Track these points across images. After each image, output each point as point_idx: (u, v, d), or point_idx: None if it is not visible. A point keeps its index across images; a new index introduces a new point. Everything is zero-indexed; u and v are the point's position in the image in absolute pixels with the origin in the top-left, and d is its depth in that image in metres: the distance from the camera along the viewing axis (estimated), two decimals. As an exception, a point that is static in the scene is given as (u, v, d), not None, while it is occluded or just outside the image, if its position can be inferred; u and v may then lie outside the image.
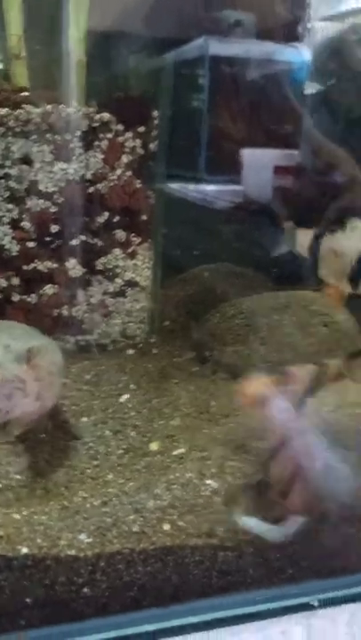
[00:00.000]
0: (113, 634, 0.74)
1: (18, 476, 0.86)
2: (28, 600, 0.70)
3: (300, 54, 1.72)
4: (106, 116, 1.17)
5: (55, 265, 1.20)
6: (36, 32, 1.25)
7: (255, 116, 1.59)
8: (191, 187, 1.51)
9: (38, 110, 1.13)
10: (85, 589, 0.71)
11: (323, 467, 0.79)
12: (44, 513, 0.77)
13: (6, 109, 1.12)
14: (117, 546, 0.72)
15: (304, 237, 1.41)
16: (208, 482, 0.82)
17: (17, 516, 0.77)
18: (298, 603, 0.80)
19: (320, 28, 1.70)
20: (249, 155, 1.54)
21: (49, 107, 1.14)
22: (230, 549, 0.76)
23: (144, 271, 1.26)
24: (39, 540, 0.71)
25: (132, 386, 1.12)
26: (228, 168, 1.51)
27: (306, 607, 0.81)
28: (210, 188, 1.53)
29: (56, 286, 1.22)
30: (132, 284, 1.26)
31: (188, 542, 0.75)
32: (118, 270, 1.24)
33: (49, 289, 1.21)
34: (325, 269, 1.32)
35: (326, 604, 0.81)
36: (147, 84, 1.34)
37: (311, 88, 1.57)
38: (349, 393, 1.06)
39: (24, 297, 1.20)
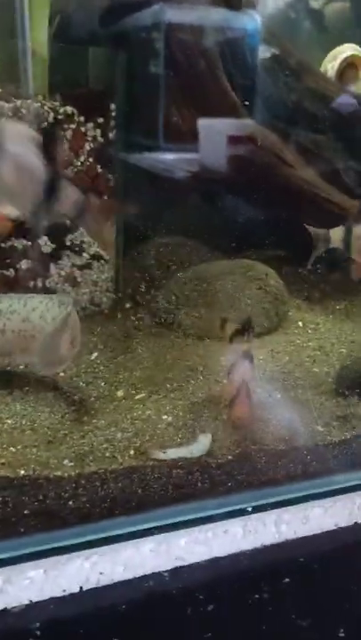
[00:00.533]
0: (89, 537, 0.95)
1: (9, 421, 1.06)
2: (25, 511, 0.90)
3: (254, 21, 1.86)
4: (69, 109, 1.32)
5: (28, 243, 1.37)
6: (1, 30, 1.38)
7: (211, 83, 1.73)
8: (147, 155, 1.66)
9: (9, 105, 1.28)
10: (70, 502, 0.92)
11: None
12: (34, 446, 0.97)
13: (-20, 105, 1.26)
14: (94, 468, 0.93)
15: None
16: (164, 417, 1.03)
17: (12, 449, 0.96)
18: (236, 508, 1.03)
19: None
20: (205, 124, 1.68)
21: (18, 102, 1.29)
22: (182, 468, 0.97)
23: (108, 246, 1.44)
24: (32, 465, 0.91)
25: (100, 346, 1.31)
26: (183, 137, 1.65)
27: (242, 512, 1.04)
28: (167, 156, 1.68)
29: (29, 261, 1.38)
30: (97, 257, 1.44)
31: (148, 463, 0.96)
32: (85, 245, 1.41)
33: (24, 264, 1.38)
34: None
35: (257, 509, 1.05)
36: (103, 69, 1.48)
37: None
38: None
39: (3, 271, 1.37)
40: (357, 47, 1.71)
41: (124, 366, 1.22)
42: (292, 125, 1.55)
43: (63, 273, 1.42)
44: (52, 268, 1.41)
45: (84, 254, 1.42)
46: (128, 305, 1.44)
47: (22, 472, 0.89)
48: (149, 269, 1.49)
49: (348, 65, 1.68)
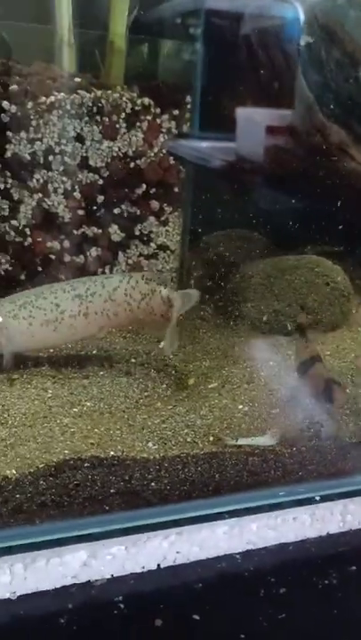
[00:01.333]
0: (169, 518, 1.00)
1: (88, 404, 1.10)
2: (112, 490, 0.94)
3: (296, 10, 1.86)
4: (146, 100, 1.35)
5: (99, 230, 1.41)
6: (82, 23, 1.41)
7: (250, 73, 1.73)
8: (184, 142, 1.67)
9: (90, 95, 1.31)
10: (153, 483, 0.96)
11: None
12: (116, 429, 1.01)
13: (62, 94, 1.30)
14: (176, 451, 0.97)
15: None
16: (240, 407, 1.06)
17: (97, 430, 1.01)
18: (305, 497, 1.07)
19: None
20: (243, 114, 1.69)
21: (99, 92, 1.32)
22: (257, 455, 1.01)
23: (174, 237, 1.47)
24: (119, 447, 0.96)
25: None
26: (221, 125, 1.67)
27: (310, 501, 1.08)
28: (203, 144, 1.69)
29: (100, 249, 1.42)
30: (163, 247, 1.47)
31: (226, 450, 1.00)
32: (152, 236, 1.45)
33: (94, 251, 1.42)
34: None
35: (324, 499, 1.08)
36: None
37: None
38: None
39: (73, 257, 1.41)
40: None
41: (193, 356, 1.26)
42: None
43: (130, 261, 1.45)
44: (121, 256, 1.44)
45: (152, 244, 1.46)
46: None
47: (112, 453, 0.93)
48: (213, 261, 1.52)
49: None
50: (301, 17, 1.60)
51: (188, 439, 0.99)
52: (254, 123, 1.60)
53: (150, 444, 0.98)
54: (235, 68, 1.46)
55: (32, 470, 0.89)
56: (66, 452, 0.92)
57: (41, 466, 0.90)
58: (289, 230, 1.69)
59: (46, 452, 0.92)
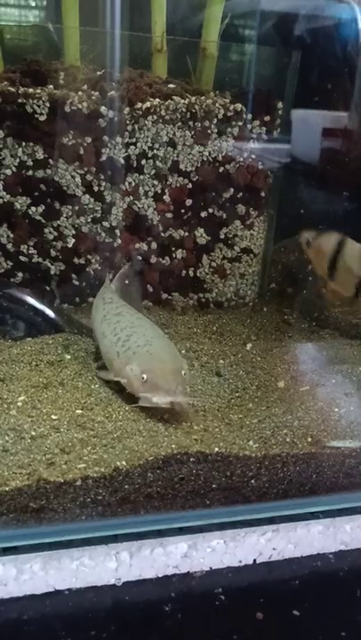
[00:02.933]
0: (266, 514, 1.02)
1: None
2: (213, 485, 0.97)
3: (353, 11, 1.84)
4: (239, 106, 1.38)
5: (186, 233, 1.44)
6: (175, 31, 1.45)
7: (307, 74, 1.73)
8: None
9: (184, 101, 1.35)
10: (252, 481, 0.99)
11: None
12: (216, 427, 1.04)
13: (158, 100, 1.34)
14: (276, 450, 0.99)
15: None
16: (335, 409, 1.08)
17: (196, 427, 1.03)
18: None
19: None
20: (298, 115, 1.69)
21: (193, 98, 1.35)
22: (354, 458, 1.02)
23: (258, 240, 1.49)
24: (221, 444, 0.98)
25: (252, 337, 1.37)
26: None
27: None
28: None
29: (185, 251, 1.46)
30: (247, 251, 1.49)
31: (323, 451, 1.02)
32: (237, 239, 1.47)
33: (179, 253, 1.45)
34: None
35: None
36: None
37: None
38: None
39: (159, 259, 1.45)
40: None
41: (280, 359, 1.28)
42: None
43: (214, 264, 1.48)
44: (205, 258, 1.47)
45: (236, 247, 1.48)
46: (275, 299, 1.50)
47: (216, 449, 0.96)
48: (295, 264, 1.53)
49: None
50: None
51: (288, 439, 1.01)
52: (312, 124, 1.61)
53: (251, 443, 1.00)
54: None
55: (141, 462, 0.93)
56: (173, 446, 0.95)
57: (150, 459, 0.93)
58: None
59: (153, 445, 0.96)
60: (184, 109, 1.35)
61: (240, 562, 1.00)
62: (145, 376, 1.03)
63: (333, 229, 1.60)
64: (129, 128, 1.33)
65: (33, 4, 1.51)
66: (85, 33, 1.42)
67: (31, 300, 1.28)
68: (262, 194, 1.45)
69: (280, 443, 1.00)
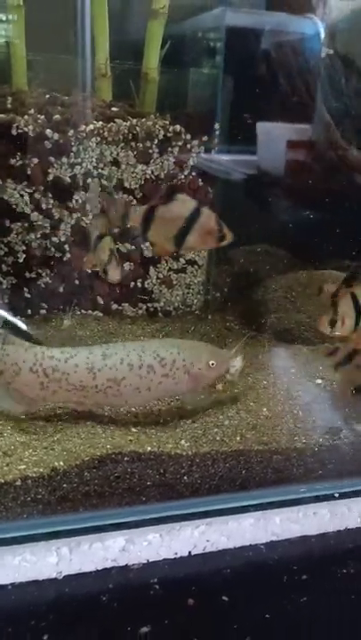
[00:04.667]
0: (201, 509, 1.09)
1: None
2: (148, 482, 1.04)
3: (316, 26, 1.95)
4: (177, 127, 1.46)
5: (132, 247, 1.51)
6: (118, 55, 1.53)
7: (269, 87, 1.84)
8: (205, 155, 1.74)
9: (126, 123, 1.43)
10: (185, 477, 1.06)
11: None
12: (152, 429, 1.11)
13: (101, 122, 1.41)
14: (207, 448, 1.07)
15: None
16: (264, 409, 1.16)
17: (134, 429, 1.10)
18: (325, 494, 1.15)
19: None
20: (263, 128, 1.78)
21: (134, 120, 1.43)
22: (280, 453, 1.10)
23: (202, 252, 1.57)
24: (155, 443, 1.05)
25: (195, 343, 1.45)
26: (242, 138, 1.74)
27: (330, 497, 1.16)
28: (225, 157, 1.77)
29: (132, 264, 1.53)
30: (191, 262, 1.57)
31: (252, 448, 1.09)
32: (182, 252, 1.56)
33: (127, 265, 1.53)
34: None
35: (344, 496, 1.17)
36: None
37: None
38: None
39: (108, 271, 1.52)
40: None
41: (220, 362, 1.35)
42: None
43: (161, 275, 1.56)
44: (152, 270, 1.55)
45: (181, 259, 1.56)
46: (218, 307, 1.57)
47: (149, 448, 1.03)
48: (238, 275, 1.62)
49: None
50: (320, 33, 1.72)
51: (218, 438, 1.08)
52: (274, 137, 1.71)
53: (183, 442, 1.07)
54: (257, 84, 1.57)
55: (78, 463, 1.00)
56: (108, 446, 1.02)
57: (86, 459, 1.00)
58: (311, 245, 1.80)
59: (90, 446, 1.03)
60: (126, 131, 1.43)
61: (176, 554, 1.06)
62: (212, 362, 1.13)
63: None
64: (74, 149, 1.41)
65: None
66: (33, 58, 1.50)
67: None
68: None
69: (210, 441, 1.08)
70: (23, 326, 1.37)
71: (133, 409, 1.18)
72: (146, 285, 1.56)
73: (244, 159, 1.69)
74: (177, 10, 1.54)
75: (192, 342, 1.24)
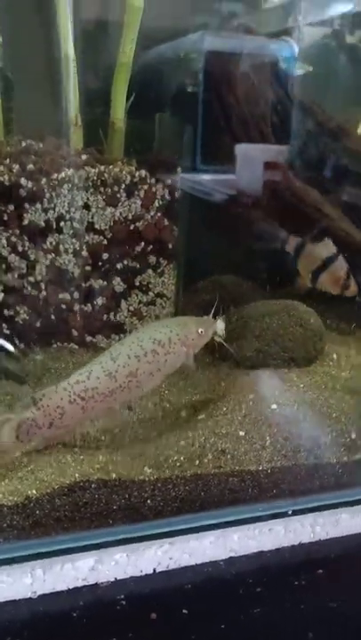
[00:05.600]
0: (164, 529, 1.19)
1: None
2: (114, 507, 1.14)
3: (292, 48, 2.08)
4: (143, 172, 1.58)
5: (104, 283, 1.62)
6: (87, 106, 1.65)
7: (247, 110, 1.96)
8: (187, 175, 1.80)
9: (95, 170, 1.54)
10: (149, 501, 1.16)
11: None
12: (119, 456, 1.21)
13: (71, 170, 1.53)
14: (168, 474, 1.17)
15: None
16: (223, 431, 1.26)
17: (101, 457, 1.21)
18: (279, 511, 1.26)
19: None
20: (242, 149, 1.90)
21: (102, 167, 1.55)
22: (236, 476, 1.21)
23: (169, 285, 1.68)
24: (120, 471, 1.16)
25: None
26: (222, 159, 1.85)
27: (284, 515, 1.26)
28: (205, 177, 1.88)
29: (105, 298, 1.64)
30: (160, 295, 1.68)
31: (209, 472, 1.20)
32: (151, 285, 1.66)
33: (100, 300, 1.64)
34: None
35: (297, 513, 1.27)
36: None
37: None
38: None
39: (82, 306, 1.62)
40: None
41: (185, 391, 1.46)
42: (332, 181, 1.79)
43: (131, 308, 1.67)
44: (123, 303, 1.66)
45: (150, 293, 1.67)
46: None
47: (114, 475, 1.13)
48: (203, 306, 1.73)
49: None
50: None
51: (178, 464, 1.19)
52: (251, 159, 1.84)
53: (146, 468, 1.17)
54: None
55: (49, 491, 1.10)
56: (77, 475, 1.12)
57: (56, 487, 1.10)
58: (274, 274, 1.92)
59: (60, 475, 1.13)
60: (95, 177, 1.54)
61: (141, 571, 1.16)
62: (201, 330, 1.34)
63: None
64: (47, 195, 1.52)
65: None
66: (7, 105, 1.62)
67: None
68: (170, 245, 1.64)
69: (171, 467, 1.18)
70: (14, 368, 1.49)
71: (103, 437, 1.29)
72: (118, 318, 1.67)
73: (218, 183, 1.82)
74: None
75: (178, 319, 1.45)
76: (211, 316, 1.40)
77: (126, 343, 1.28)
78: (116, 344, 1.31)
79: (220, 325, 1.40)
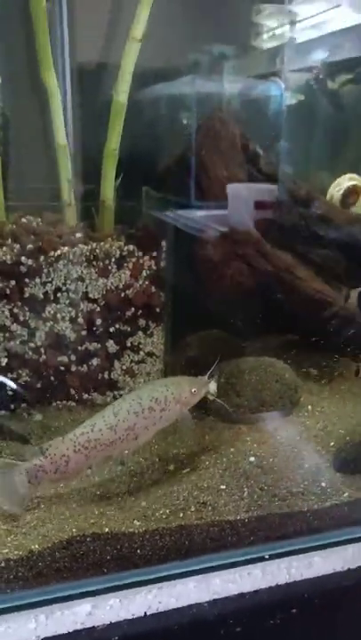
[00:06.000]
0: (153, 576, 1.33)
1: (92, 489, 1.46)
2: (108, 557, 1.29)
3: (280, 88, 2.26)
4: (131, 247, 1.76)
5: (99, 345, 1.79)
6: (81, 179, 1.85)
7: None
8: (181, 212, 1.98)
9: (87, 247, 1.72)
10: (138, 550, 1.30)
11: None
12: (111, 510, 1.36)
13: (67, 248, 1.71)
14: (154, 526, 1.32)
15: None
16: (201, 497, 1.41)
17: (97, 511, 1.36)
18: (256, 556, 1.40)
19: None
20: (233, 189, 2.05)
21: (94, 244, 1.73)
22: (216, 526, 1.35)
23: (158, 345, 1.85)
24: (112, 524, 1.31)
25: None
26: (214, 197, 1.97)
27: (261, 559, 1.40)
28: (199, 213, 1.99)
29: (100, 359, 1.81)
30: (150, 354, 1.85)
31: (192, 523, 1.34)
32: (141, 346, 1.83)
33: (95, 361, 1.80)
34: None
35: (273, 557, 1.41)
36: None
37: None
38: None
39: (79, 367, 1.79)
40: (356, 176, 2.12)
41: (173, 445, 1.61)
42: (304, 244, 1.97)
43: (124, 367, 1.83)
44: (116, 363, 1.83)
45: (141, 352, 1.84)
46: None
47: (107, 529, 1.28)
48: (190, 363, 1.89)
49: (350, 192, 2.09)
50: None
51: (164, 516, 1.34)
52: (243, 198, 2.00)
53: (135, 521, 1.32)
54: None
55: (50, 545, 1.25)
56: (74, 530, 1.27)
57: (57, 541, 1.25)
58: (254, 329, 2.09)
59: (60, 530, 1.28)
60: (88, 253, 1.72)
61: (133, 615, 1.30)
62: (194, 390, 1.50)
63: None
64: (45, 271, 1.70)
65: None
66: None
67: None
68: (157, 309, 1.82)
69: (158, 519, 1.33)
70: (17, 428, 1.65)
71: (98, 492, 1.44)
72: (112, 376, 1.83)
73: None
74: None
75: (174, 378, 1.60)
76: (207, 376, 1.57)
77: (127, 400, 1.46)
78: (118, 400, 1.48)
79: (212, 386, 1.57)
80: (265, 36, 2.47)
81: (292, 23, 2.46)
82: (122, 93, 1.71)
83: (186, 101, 2.06)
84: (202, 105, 2.05)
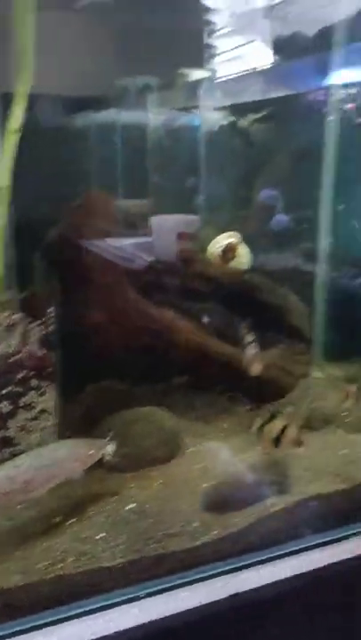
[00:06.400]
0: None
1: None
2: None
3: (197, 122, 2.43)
4: (18, 317, 1.91)
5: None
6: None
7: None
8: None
9: (-25, 319, 1.87)
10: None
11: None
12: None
13: None
14: (35, 578, 1.46)
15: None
16: (80, 547, 1.56)
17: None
18: (133, 596, 1.55)
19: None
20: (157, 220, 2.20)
21: (-24, 316, 1.88)
22: (94, 572, 1.50)
23: (51, 402, 2.00)
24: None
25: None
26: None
27: (138, 598, 1.56)
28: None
29: (-4, 420, 1.94)
30: (43, 411, 2.00)
31: (71, 572, 1.49)
32: (34, 404, 1.98)
33: (-8, 422, 1.93)
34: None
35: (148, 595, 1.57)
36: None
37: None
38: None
39: (-28, 429, 1.92)
40: (234, 234, 2.36)
41: (66, 497, 1.75)
42: (188, 302, 2.19)
43: (19, 425, 1.97)
44: (11, 422, 1.96)
45: (34, 410, 1.98)
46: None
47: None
48: (82, 416, 2.05)
49: (228, 248, 2.32)
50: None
51: (44, 567, 1.48)
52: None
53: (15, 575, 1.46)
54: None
55: None
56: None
57: None
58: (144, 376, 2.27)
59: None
60: (-32, 326, 1.87)
61: None
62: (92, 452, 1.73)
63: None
64: None
65: None
66: None
67: None
68: (49, 370, 1.97)
69: (38, 571, 1.47)
70: None
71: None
72: (8, 434, 1.96)
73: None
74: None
75: (74, 440, 1.80)
76: (107, 438, 1.81)
77: (31, 456, 1.68)
78: (22, 455, 1.70)
79: (109, 448, 1.79)
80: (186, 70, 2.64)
81: (212, 57, 2.63)
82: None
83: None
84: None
